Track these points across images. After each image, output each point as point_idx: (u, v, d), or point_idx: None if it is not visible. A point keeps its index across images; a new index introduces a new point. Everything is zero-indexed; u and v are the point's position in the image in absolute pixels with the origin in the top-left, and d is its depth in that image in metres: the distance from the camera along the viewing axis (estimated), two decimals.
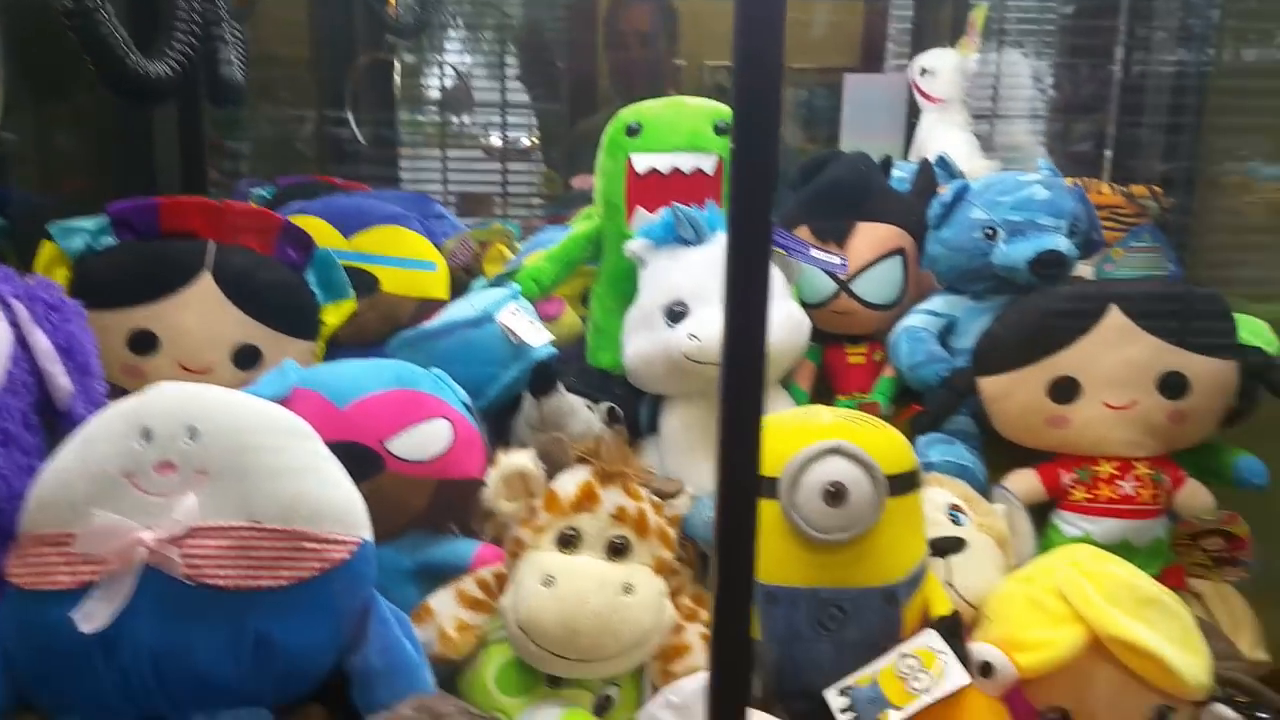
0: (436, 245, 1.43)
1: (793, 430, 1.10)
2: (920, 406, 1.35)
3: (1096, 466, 1.27)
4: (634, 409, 1.33)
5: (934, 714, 1.00)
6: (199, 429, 0.94)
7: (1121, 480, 1.26)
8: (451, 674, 1.08)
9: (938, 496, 1.23)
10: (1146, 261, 1.40)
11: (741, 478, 0.60)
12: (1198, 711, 1.05)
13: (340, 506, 0.98)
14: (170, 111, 1.58)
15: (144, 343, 1.24)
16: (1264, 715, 1.02)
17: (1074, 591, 1.04)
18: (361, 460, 1.09)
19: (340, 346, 1.35)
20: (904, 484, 1.10)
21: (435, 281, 1.40)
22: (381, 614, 1.00)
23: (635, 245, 1.29)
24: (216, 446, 0.94)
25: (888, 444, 1.11)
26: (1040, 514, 1.30)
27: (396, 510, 1.13)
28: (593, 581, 1.00)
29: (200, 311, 1.25)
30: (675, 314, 1.23)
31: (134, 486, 0.92)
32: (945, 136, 1.91)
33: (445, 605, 1.07)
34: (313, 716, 1.00)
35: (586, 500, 1.05)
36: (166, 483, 0.93)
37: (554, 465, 1.08)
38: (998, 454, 1.34)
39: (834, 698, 1.04)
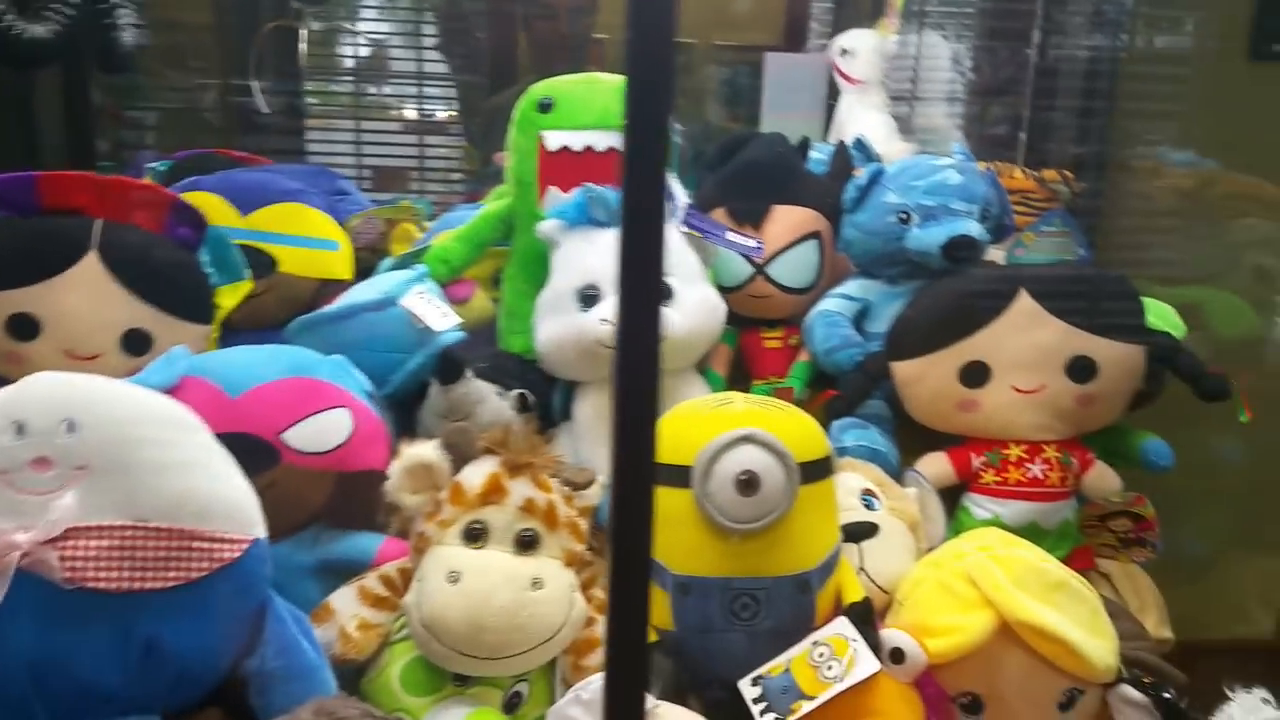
0: (340, 223, 1.37)
1: (706, 418, 1.08)
2: (835, 391, 1.34)
3: (1006, 450, 1.27)
4: (547, 395, 1.30)
5: (846, 701, 0.99)
6: (77, 421, 0.88)
7: (1030, 463, 1.27)
8: (356, 674, 1.04)
9: (851, 481, 1.23)
10: (1057, 246, 1.41)
11: (636, 470, 0.57)
12: (1105, 693, 1.07)
13: (231, 503, 0.93)
14: (55, 78, 1.49)
15: (24, 327, 1.17)
16: (1169, 694, 1.03)
17: (983, 577, 1.05)
18: (255, 453, 1.04)
19: (236, 331, 1.29)
20: (817, 471, 1.09)
21: (337, 261, 1.34)
22: (278, 614, 0.96)
23: (547, 226, 1.25)
24: (96, 440, 0.88)
25: (801, 431, 1.09)
26: (952, 497, 1.31)
27: (294, 505, 1.08)
28: (500, 577, 0.97)
29: (86, 294, 1.18)
30: (588, 298, 1.20)
31: (6, 485, 0.86)
32: (864, 118, 1.89)
33: (347, 603, 1.03)
34: None
35: (493, 493, 1.01)
36: (42, 480, 0.87)
37: (460, 456, 1.04)
38: (911, 438, 1.34)
39: (747, 688, 1.03)
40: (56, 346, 1.18)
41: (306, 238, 1.33)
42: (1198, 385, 1.26)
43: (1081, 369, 1.25)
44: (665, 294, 1.20)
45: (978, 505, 1.28)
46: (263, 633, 0.95)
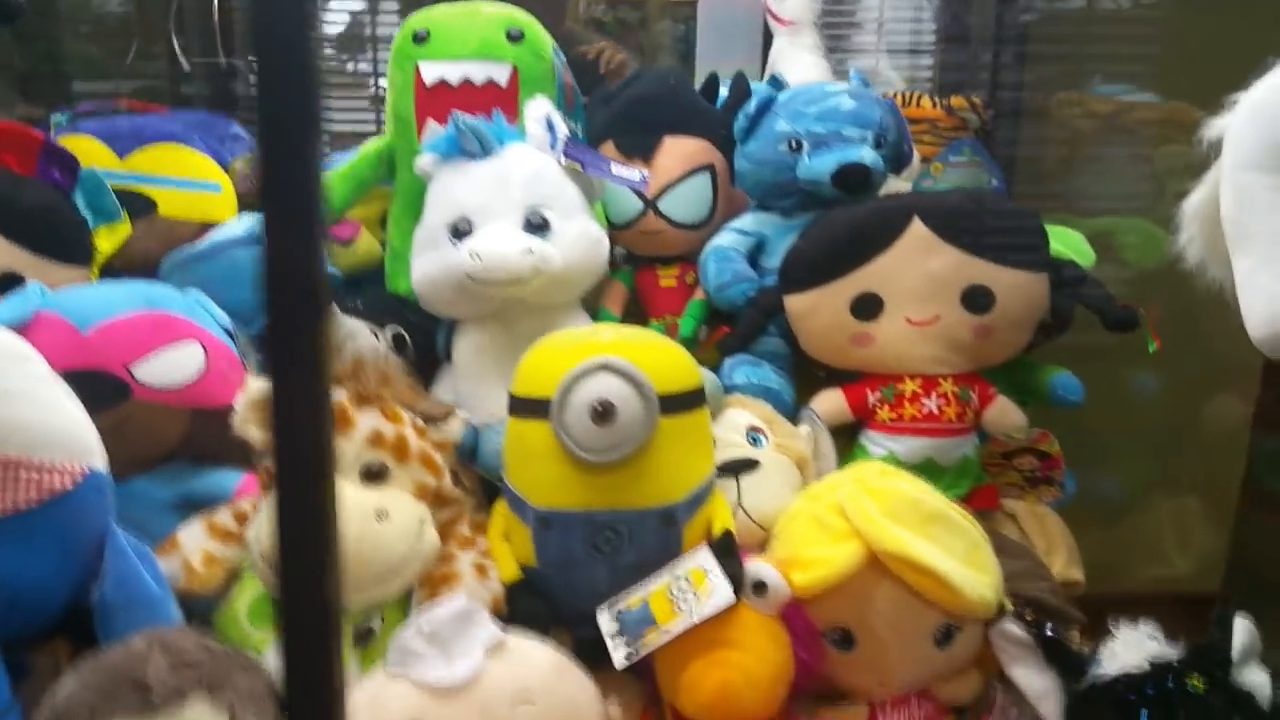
0: (225, 166, 1.34)
1: (569, 349, 1.05)
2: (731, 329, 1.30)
3: (901, 384, 1.23)
4: (430, 337, 1.27)
5: (709, 633, 0.96)
6: None
7: (925, 398, 1.22)
8: (209, 608, 1.02)
9: (737, 418, 1.19)
10: (967, 176, 1.37)
11: (300, 462, 0.53)
12: (987, 630, 1.03)
13: (62, 433, 0.90)
14: None
15: None
16: (1051, 632, 0.99)
17: (853, 507, 1.01)
18: (104, 388, 1.02)
19: (118, 274, 1.26)
20: (684, 403, 1.05)
21: (219, 204, 1.31)
22: (118, 546, 0.94)
23: (423, 161, 1.22)
24: None
25: (668, 361, 1.06)
26: (851, 436, 1.27)
27: (148, 440, 1.06)
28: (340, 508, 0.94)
29: None
30: (459, 231, 1.16)
31: None
32: (797, 60, 1.84)
33: (193, 537, 1.01)
34: (59, 650, 0.94)
35: (339, 424, 0.99)
36: None
37: None
38: (813, 378, 1.30)
39: (604, 620, 1.00)
40: None
41: (186, 180, 1.30)
42: (1104, 315, 1.21)
43: (978, 299, 1.20)
44: (541, 226, 1.16)
45: (873, 443, 1.24)
46: (103, 564, 0.92)
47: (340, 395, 1.00)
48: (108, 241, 1.25)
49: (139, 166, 1.29)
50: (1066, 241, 1.28)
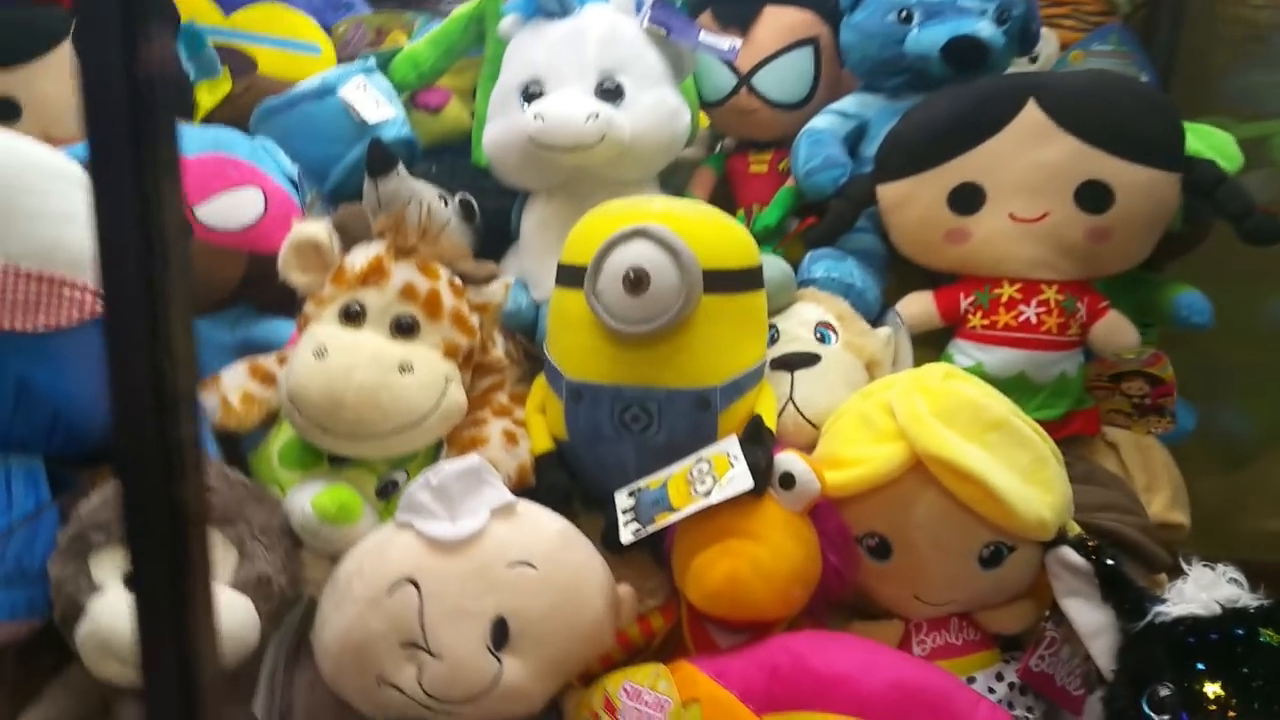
0: (328, 29, 1.35)
1: (615, 216, 0.99)
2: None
3: (998, 289, 1.11)
4: (506, 215, 1.24)
5: (725, 521, 0.90)
6: None
7: (1024, 305, 1.10)
8: (248, 448, 1.04)
9: (807, 312, 1.11)
10: (1112, 68, 1.21)
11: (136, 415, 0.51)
12: (1044, 554, 0.93)
13: None
14: None
15: (5, 110, 1.22)
16: (1113, 562, 0.88)
17: (902, 405, 0.92)
18: None
19: None
20: (733, 281, 0.98)
21: (318, 66, 1.32)
22: None
23: (505, 23, 1.18)
24: None
25: (719, 236, 0.99)
26: (940, 346, 1.16)
27: (208, 281, 1.09)
28: (364, 356, 0.94)
29: (61, 79, 1.21)
30: (529, 94, 1.12)
31: None
32: None
33: (234, 377, 1.03)
34: (104, 476, 0.98)
35: (374, 274, 0.98)
36: None
37: (350, 237, 1.01)
38: (907, 281, 1.19)
39: (621, 498, 0.96)
40: (37, 127, 1.22)
41: (288, 40, 1.32)
42: (1240, 222, 1.04)
43: (1095, 196, 1.06)
44: (614, 93, 1.10)
45: (961, 353, 1.13)
46: None
47: (378, 247, 0.99)
48: (208, 97, 1.28)
49: (242, 24, 1.32)
50: (1210, 141, 1.11)
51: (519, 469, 1.00)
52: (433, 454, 1.02)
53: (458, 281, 1.01)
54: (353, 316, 0.97)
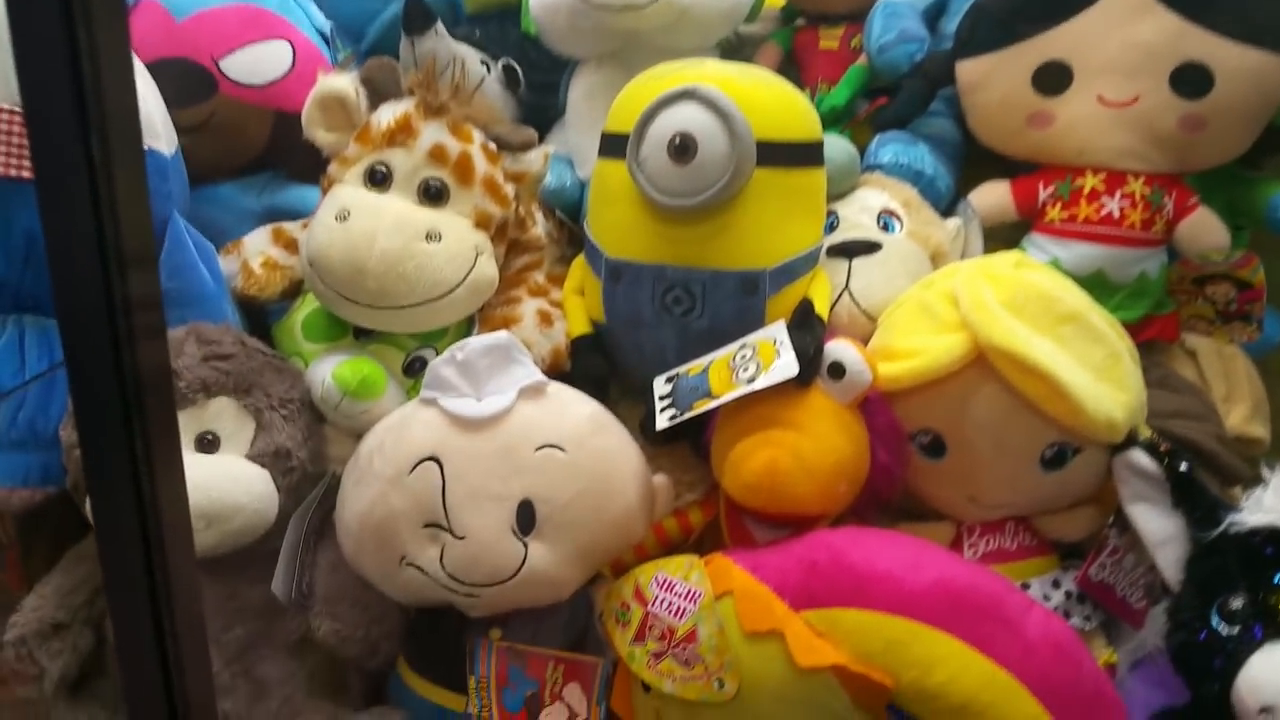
0: None
1: (663, 79, 0.92)
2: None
3: (1080, 179, 1.02)
4: (555, 86, 1.16)
5: (768, 410, 0.85)
6: None
7: (1107, 198, 1.01)
8: (275, 317, 1.00)
9: (871, 198, 1.03)
10: None
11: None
12: (1112, 458, 0.86)
13: None
14: None
15: None
16: (1186, 467, 0.81)
17: (967, 293, 0.85)
18: (191, 78, 1.00)
19: None
20: (790, 155, 0.91)
21: None
22: (178, 236, 0.92)
23: None
24: None
25: (777, 104, 0.91)
26: (1015, 241, 1.08)
27: (234, 139, 1.04)
28: (390, 220, 0.88)
29: None
30: None
31: None
32: None
33: (256, 241, 0.99)
34: None
35: (402, 133, 0.91)
36: None
37: (379, 93, 0.94)
38: (983, 171, 1.10)
39: (660, 385, 0.90)
40: None
41: None
42: None
43: (1192, 79, 0.96)
44: None
45: (1036, 247, 1.04)
46: (160, 251, 0.92)
47: (407, 104, 0.93)
48: None
49: None
50: None
51: (553, 351, 0.95)
52: (463, 331, 0.98)
53: (492, 147, 0.95)
54: (378, 179, 0.91)
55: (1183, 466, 0.81)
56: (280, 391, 0.88)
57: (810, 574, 0.79)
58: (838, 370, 0.85)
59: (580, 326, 0.97)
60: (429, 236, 0.89)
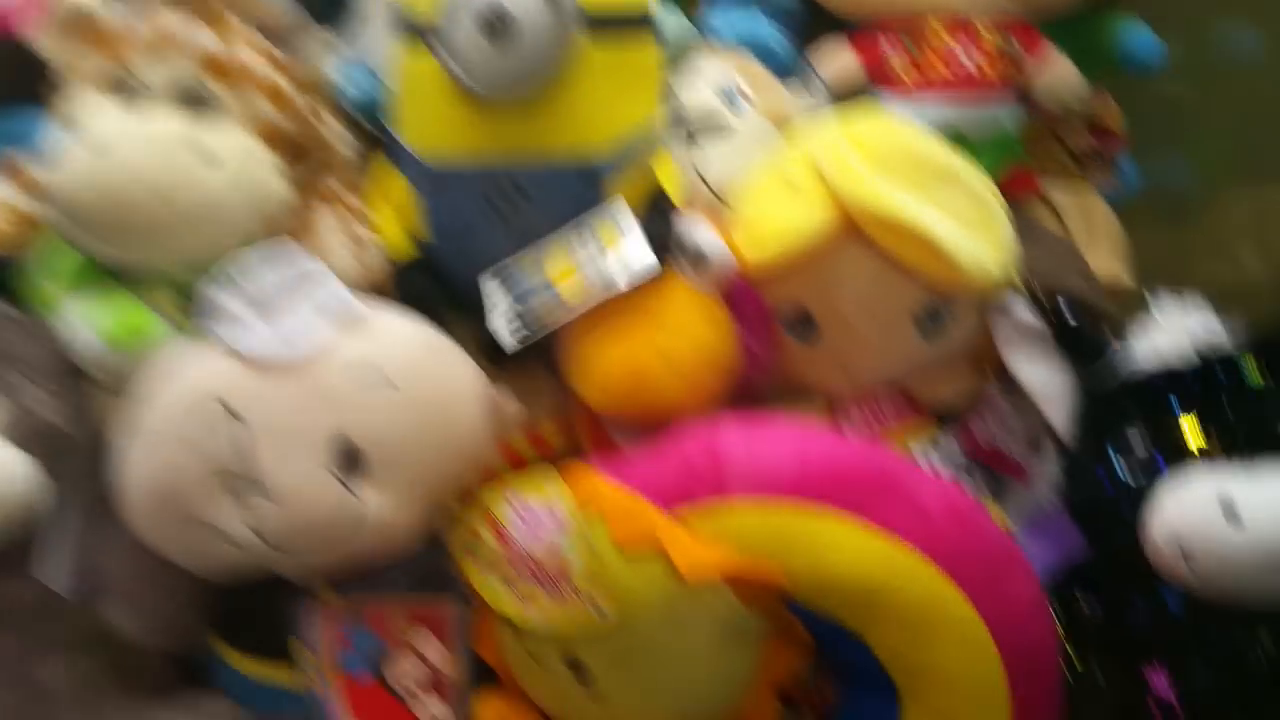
0: None
1: None
2: None
3: (925, 30, 0.96)
4: None
5: (629, 309, 0.76)
6: None
7: (956, 49, 0.95)
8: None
9: (711, 73, 0.95)
10: None
11: None
12: (988, 315, 0.81)
13: None
14: None
15: None
16: (1071, 315, 0.77)
17: (829, 157, 0.79)
18: None
19: None
20: (620, 26, 0.81)
21: None
22: None
23: None
24: None
25: None
26: None
27: None
28: (153, 146, 0.74)
29: None
30: None
31: None
32: None
33: None
34: None
35: (157, 39, 0.78)
36: None
37: None
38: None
39: (492, 289, 0.81)
40: None
41: None
42: None
43: None
44: None
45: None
46: None
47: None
48: None
49: None
50: None
51: (368, 275, 0.83)
52: None
53: (267, 44, 0.82)
54: (130, 95, 0.78)
55: (1066, 314, 0.77)
56: (32, 357, 0.75)
57: (686, 472, 0.72)
58: (698, 256, 0.77)
59: (399, 246, 0.86)
60: (205, 159, 0.76)
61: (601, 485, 0.72)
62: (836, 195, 0.77)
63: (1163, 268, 0.99)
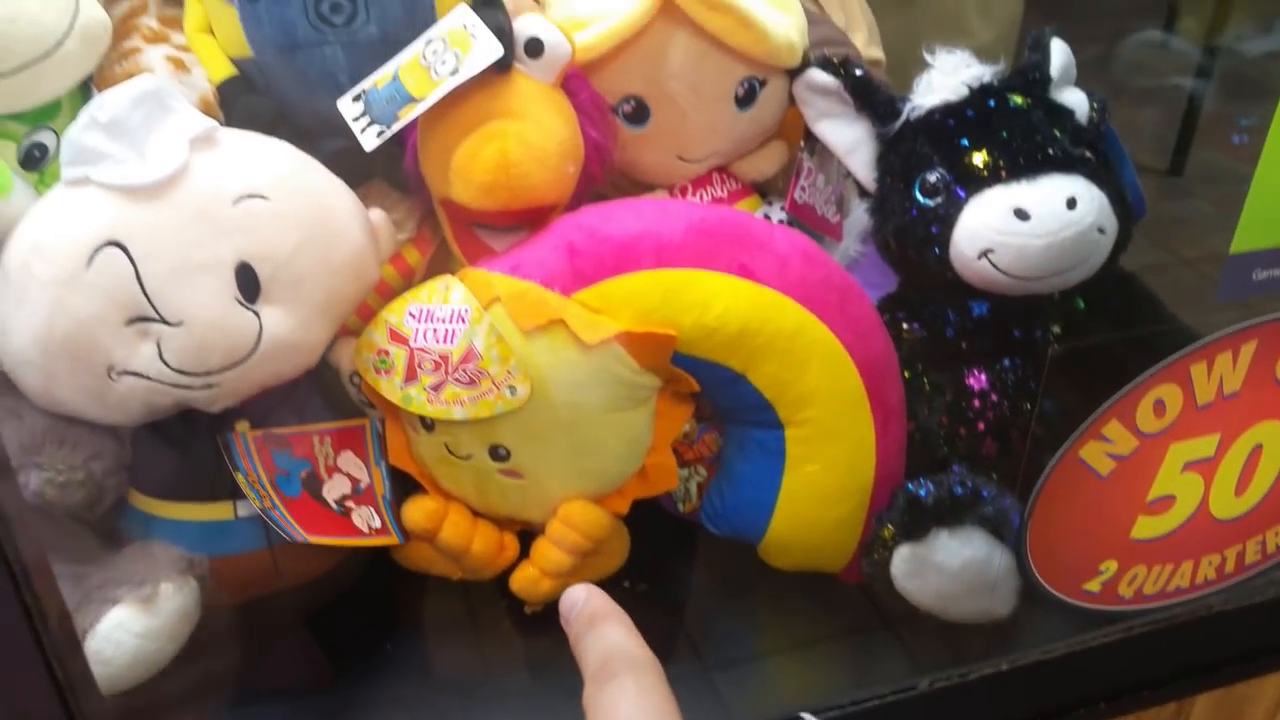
0: None
1: None
2: None
3: None
4: None
5: (479, 105, 0.78)
6: None
7: None
8: None
9: None
10: None
11: None
12: (791, 84, 0.91)
13: None
14: None
15: None
16: (860, 72, 0.87)
17: None
18: None
19: None
20: None
21: None
22: None
23: None
24: None
25: None
26: None
27: None
28: None
29: None
30: None
31: None
32: None
33: None
34: None
35: None
36: None
37: None
38: None
39: (347, 106, 0.80)
40: None
41: None
42: None
43: None
44: None
45: None
46: None
47: None
48: None
49: None
50: None
51: (201, 101, 0.81)
52: (80, 103, 0.79)
53: None
54: None
55: (857, 72, 0.87)
56: None
57: (571, 256, 0.78)
58: (535, 47, 0.80)
59: (222, 69, 0.83)
60: None
61: (496, 279, 0.77)
62: None
63: (907, 47, 1.13)
